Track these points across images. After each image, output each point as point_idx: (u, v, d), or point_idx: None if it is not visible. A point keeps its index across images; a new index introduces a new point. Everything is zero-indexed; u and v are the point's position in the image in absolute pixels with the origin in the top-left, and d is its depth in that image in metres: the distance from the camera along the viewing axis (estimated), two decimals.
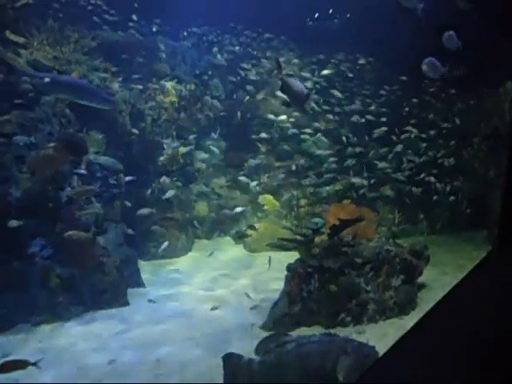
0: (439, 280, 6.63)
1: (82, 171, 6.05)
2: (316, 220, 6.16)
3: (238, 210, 9.31)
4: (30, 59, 6.70)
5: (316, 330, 5.07)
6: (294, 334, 5.00)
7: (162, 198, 9.07)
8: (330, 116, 9.92)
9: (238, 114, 10.24)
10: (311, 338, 3.79)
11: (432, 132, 9.87)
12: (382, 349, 3.71)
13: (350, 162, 9.34)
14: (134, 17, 9.68)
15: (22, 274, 5.50)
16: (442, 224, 9.40)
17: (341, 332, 4.98)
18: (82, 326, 5.57)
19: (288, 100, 5.10)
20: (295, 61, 11.45)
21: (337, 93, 9.48)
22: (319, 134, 9.90)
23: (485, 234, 8.74)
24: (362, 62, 11.10)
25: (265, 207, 9.91)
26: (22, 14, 7.34)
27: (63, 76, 6.10)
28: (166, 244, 8.25)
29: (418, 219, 9.28)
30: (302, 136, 10.00)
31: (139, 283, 7.11)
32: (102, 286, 6.03)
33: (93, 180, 6.99)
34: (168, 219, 9.05)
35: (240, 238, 9.56)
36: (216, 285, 6.98)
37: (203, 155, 10.70)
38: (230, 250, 9.15)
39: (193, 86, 9.60)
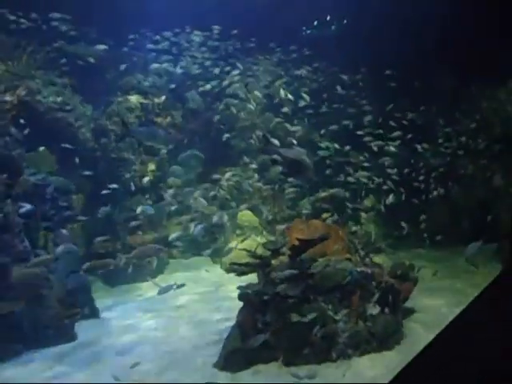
0: (432, 307, 5.94)
1: (28, 207, 5.47)
2: (273, 239, 5.51)
3: (215, 219, 8.68)
4: None
5: (274, 368, 4.41)
6: (249, 372, 4.37)
7: (130, 217, 8.52)
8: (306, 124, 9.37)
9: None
10: None
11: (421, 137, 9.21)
12: None
13: (329, 172, 8.74)
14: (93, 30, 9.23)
15: None
16: (436, 237, 8.62)
17: (302, 370, 4.34)
18: (15, 368, 4.93)
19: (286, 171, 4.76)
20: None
21: (305, 96, 8.88)
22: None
23: (489, 248, 7.95)
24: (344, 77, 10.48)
25: (244, 224, 9.30)
26: None
27: None
28: (130, 270, 7.68)
29: (408, 232, 8.57)
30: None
31: (93, 313, 6.48)
32: (43, 322, 5.40)
33: (42, 202, 6.44)
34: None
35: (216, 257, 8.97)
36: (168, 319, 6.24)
37: (178, 170, 10.19)
38: (202, 272, 8.50)
39: (162, 99, 9.07)
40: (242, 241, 7.51)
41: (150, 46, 9.70)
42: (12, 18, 7.75)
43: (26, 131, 6.82)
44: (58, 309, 5.52)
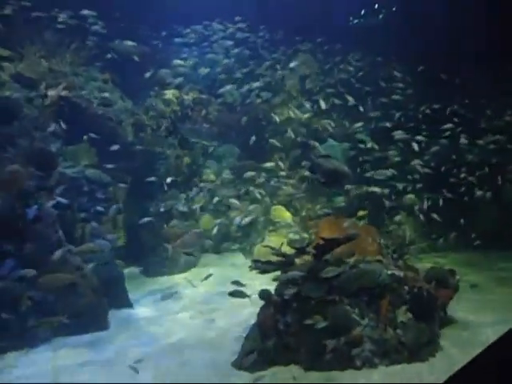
0: (478, 316, 5.37)
1: (61, 200, 5.68)
2: (298, 237, 5.31)
3: (247, 220, 8.63)
4: (13, 73, 6.54)
5: (293, 371, 4.27)
6: (267, 373, 4.27)
7: (164, 211, 8.69)
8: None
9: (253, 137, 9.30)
10: None
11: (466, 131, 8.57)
12: None
13: (367, 167, 8.37)
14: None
15: None
16: (483, 239, 7.97)
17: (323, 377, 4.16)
18: (47, 353, 5.16)
19: (323, 180, 4.73)
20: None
21: (350, 99, 8.54)
22: (330, 140, 9.02)
23: None
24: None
25: (276, 219, 9.16)
26: (14, 26, 7.29)
27: None
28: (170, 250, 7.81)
29: (452, 233, 8.03)
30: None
31: (126, 304, 6.65)
32: (76, 309, 5.61)
33: (78, 194, 6.69)
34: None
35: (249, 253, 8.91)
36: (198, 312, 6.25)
37: (213, 165, 10.23)
38: (233, 267, 8.48)
39: (195, 94, 9.11)
40: (271, 237, 7.38)
41: (180, 39, 9.74)
42: (57, 16, 8.05)
43: (67, 126, 7.08)
44: (91, 297, 5.71)
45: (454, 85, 9.23)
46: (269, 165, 9.97)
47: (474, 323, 5.26)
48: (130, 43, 9.40)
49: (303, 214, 8.30)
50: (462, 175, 7.56)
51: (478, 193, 8.01)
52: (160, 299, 6.91)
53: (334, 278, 4.46)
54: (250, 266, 6.77)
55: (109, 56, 8.57)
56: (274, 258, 4.84)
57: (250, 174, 9.26)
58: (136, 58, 8.81)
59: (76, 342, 5.42)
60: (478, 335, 4.95)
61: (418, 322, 4.58)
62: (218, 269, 8.41)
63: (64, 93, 7.21)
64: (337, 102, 9.25)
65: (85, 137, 7.24)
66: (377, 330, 4.38)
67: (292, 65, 9.80)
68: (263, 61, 10.48)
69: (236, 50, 10.09)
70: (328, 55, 10.91)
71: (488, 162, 8.25)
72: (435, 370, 4.28)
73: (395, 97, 8.82)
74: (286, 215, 8.99)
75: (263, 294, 4.56)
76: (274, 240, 7.36)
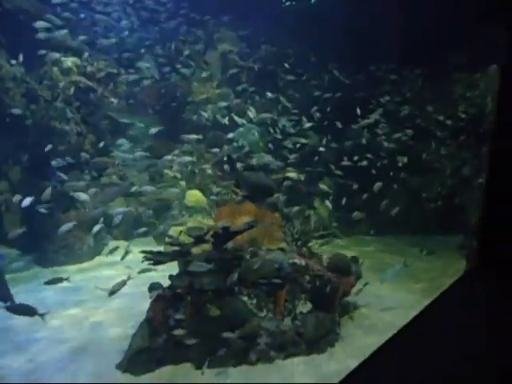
0: (377, 304, 5.32)
1: None
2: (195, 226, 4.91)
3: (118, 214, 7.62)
4: None
5: (184, 370, 3.90)
6: (154, 375, 3.85)
7: (65, 194, 7.78)
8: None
9: None
10: None
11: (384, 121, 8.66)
12: None
13: (285, 153, 8.17)
14: None
15: None
16: (390, 224, 8.20)
17: (218, 375, 3.84)
18: None
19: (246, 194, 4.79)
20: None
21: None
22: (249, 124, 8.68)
23: (449, 240, 7.54)
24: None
25: (191, 204, 8.69)
26: None
27: None
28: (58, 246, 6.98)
29: (362, 217, 8.14)
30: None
31: (5, 298, 5.80)
32: None
33: None
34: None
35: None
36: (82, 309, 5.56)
37: (124, 144, 9.40)
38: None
39: (102, 64, 8.18)
40: (179, 224, 6.90)
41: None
42: None
43: None
44: None
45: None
46: (186, 147, 9.44)
47: (377, 307, 5.30)
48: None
49: (216, 199, 7.88)
50: (379, 163, 7.62)
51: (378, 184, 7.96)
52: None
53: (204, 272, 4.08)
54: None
55: None
56: (170, 248, 4.39)
57: (166, 157, 8.63)
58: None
59: None
60: (380, 319, 4.97)
61: (318, 312, 4.44)
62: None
63: None
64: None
65: None
66: (274, 322, 4.15)
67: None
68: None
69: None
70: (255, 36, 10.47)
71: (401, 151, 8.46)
72: (333, 361, 4.17)
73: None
74: (201, 200, 8.55)
75: (154, 287, 4.11)
76: (178, 227, 6.86)
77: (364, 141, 7.86)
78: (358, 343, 4.49)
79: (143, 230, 7.40)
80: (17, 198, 6.66)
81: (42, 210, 6.64)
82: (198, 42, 9.79)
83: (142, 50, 10.31)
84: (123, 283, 4.33)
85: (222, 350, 3.91)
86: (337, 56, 9.54)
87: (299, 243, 4.99)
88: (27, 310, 3.96)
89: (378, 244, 7.94)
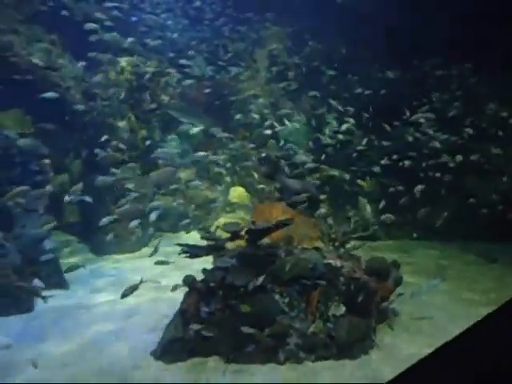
0: (420, 313, 5.00)
1: None
2: (231, 222, 4.94)
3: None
4: None
5: (212, 364, 3.98)
6: (185, 365, 3.97)
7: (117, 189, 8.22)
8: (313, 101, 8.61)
9: None
10: None
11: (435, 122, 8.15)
12: None
13: (330, 151, 8.03)
14: None
15: None
16: (437, 228, 7.68)
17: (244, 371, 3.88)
18: None
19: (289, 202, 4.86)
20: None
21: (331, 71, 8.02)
22: (295, 122, 8.61)
23: (506, 249, 6.95)
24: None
25: (234, 200, 8.82)
26: None
27: None
28: (110, 236, 7.36)
29: (409, 220, 7.82)
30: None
31: (61, 284, 6.25)
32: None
33: (10, 166, 6.17)
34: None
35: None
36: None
37: (174, 140, 9.74)
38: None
39: (154, 63, 8.51)
40: (222, 219, 7.04)
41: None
42: None
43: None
44: (11, 278, 5.28)
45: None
46: (233, 145, 9.59)
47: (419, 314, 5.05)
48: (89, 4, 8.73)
49: (261, 195, 7.93)
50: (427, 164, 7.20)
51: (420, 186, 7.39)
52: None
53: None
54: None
55: (62, 14, 7.89)
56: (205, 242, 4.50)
57: (213, 157, 8.84)
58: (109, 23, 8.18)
59: None
60: (422, 333, 4.71)
61: (352, 317, 4.32)
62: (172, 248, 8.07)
63: None
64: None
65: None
66: (305, 323, 4.11)
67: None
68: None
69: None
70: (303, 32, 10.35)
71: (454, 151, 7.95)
72: (366, 369, 4.04)
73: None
74: (245, 196, 8.65)
75: (187, 280, 4.23)
76: (223, 222, 6.98)
77: (410, 139, 7.48)
78: (395, 353, 4.30)
79: (187, 222, 7.63)
80: (76, 187, 7.06)
81: (67, 199, 6.72)
82: (245, 40, 9.89)
83: (192, 49, 10.59)
84: (135, 287, 4.53)
85: (250, 346, 3.94)
86: (383, 52, 9.17)
87: (336, 244, 4.88)
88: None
89: (423, 249, 7.55)
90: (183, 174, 9.27)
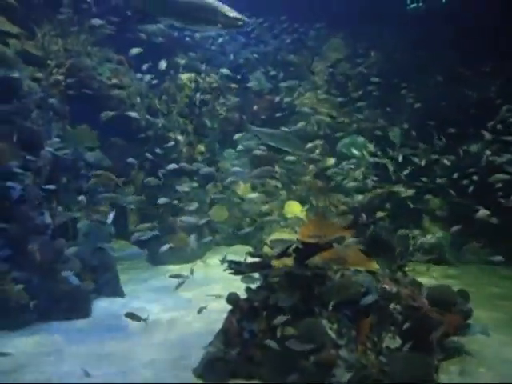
0: (492, 352, 4.29)
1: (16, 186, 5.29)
2: (278, 239, 4.70)
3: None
4: (18, 50, 6.49)
5: None
6: None
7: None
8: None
9: None
10: None
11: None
12: None
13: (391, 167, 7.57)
14: None
15: None
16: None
17: None
18: (23, 337, 5.05)
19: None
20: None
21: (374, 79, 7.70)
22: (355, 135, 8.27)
23: None
24: None
25: (288, 215, 8.62)
26: (32, 5, 7.29)
27: None
28: (166, 247, 7.52)
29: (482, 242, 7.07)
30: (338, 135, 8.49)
31: (116, 292, 6.47)
32: (56, 295, 5.49)
33: (75, 177, 6.57)
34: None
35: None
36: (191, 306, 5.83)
37: (231, 154, 9.84)
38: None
39: (213, 79, 8.70)
40: (276, 234, 6.88)
41: None
42: None
43: (74, 106, 6.97)
44: (71, 283, 5.55)
45: None
46: (290, 158, 9.43)
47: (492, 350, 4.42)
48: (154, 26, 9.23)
49: (313, 210, 7.66)
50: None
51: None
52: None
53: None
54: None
55: (128, 36, 8.42)
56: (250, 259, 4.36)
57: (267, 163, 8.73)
58: (160, 39, 8.65)
59: (53, 328, 5.30)
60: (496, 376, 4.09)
61: (410, 351, 3.88)
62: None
63: (75, 72, 7.09)
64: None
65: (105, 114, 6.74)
66: (353, 354, 3.76)
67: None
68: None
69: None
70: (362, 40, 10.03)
71: None
72: None
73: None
74: (298, 210, 8.42)
75: (231, 298, 4.10)
76: (276, 237, 6.81)
77: (484, 155, 6.73)
78: None
79: (242, 233, 7.60)
80: (132, 199, 7.37)
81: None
82: (303, 51, 9.78)
83: (252, 64, 10.71)
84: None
85: (293, 374, 3.69)
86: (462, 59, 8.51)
87: (394, 267, 4.48)
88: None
89: (498, 277, 6.71)
90: (238, 187, 9.28)
